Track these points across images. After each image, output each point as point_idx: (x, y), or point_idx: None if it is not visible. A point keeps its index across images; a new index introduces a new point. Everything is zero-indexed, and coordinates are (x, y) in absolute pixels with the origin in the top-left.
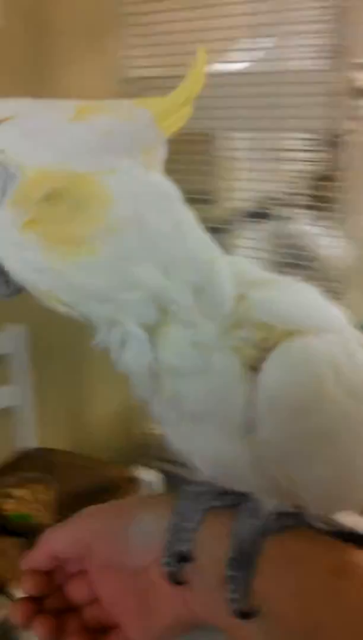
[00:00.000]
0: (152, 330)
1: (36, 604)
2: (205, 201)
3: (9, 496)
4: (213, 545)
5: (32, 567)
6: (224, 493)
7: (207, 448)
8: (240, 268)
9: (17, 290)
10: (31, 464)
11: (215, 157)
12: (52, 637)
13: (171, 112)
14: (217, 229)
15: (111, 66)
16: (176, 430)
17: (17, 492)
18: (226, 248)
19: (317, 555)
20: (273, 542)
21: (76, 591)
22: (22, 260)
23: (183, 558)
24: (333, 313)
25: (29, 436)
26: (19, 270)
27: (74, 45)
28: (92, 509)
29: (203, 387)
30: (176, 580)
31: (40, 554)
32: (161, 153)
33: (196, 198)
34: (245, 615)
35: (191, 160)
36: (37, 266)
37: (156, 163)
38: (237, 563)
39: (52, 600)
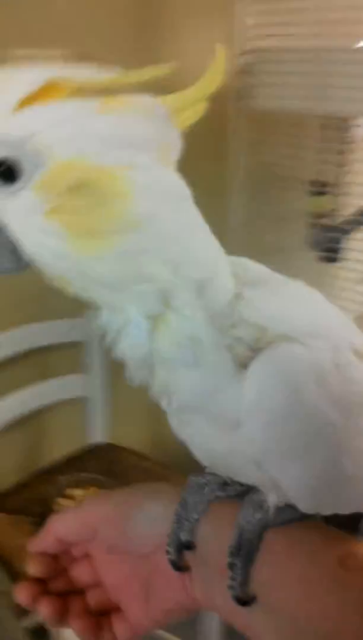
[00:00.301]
0: (152, 321)
1: (42, 586)
2: (321, 192)
3: (65, 495)
4: (216, 534)
5: (39, 550)
6: (228, 484)
7: (199, 439)
8: (242, 267)
9: (26, 266)
10: (96, 462)
11: (347, 144)
12: (56, 618)
13: (187, 108)
14: (332, 227)
15: (226, 37)
16: (173, 420)
17: (74, 491)
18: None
19: (322, 545)
20: (277, 531)
21: (81, 574)
22: (39, 244)
23: (185, 546)
24: (332, 318)
25: (100, 430)
26: (34, 252)
27: (186, 15)
28: (99, 495)
29: (194, 381)
30: (178, 567)
31: (47, 537)
32: (176, 149)
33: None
34: (243, 602)
35: (321, 148)
36: (54, 252)
37: (170, 159)
38: (238, 551)
39: (57, 582)
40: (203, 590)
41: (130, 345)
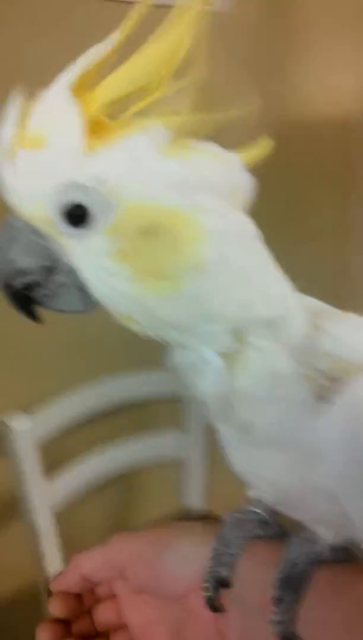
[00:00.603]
0: (229, 358)
1: (64, 627)
2: None
3: None
4: (257, 570)
5: (61, 589)
6: (268, 523)
7: (270, 473)
8: (311, 303)
9: (94, 307)
10: None
11: None
12: None
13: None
14: None
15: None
16: (239, 454)
17: None
18: None
19: None
20: (322, 572)
21: (105, 616)
22: (108, 286)
23: (222, 583)
24: None
25: (197, 496)
26: (102, 294)
27: (320, 34)
28: (126, 534)
29: (274, 415)
30: (214, 606)
31: (71, 575)
32: (246, 192)
33: None
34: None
35: None
36: (121, 293)
37: (240, 201)
38: (286, 584)
39: (79, 624)
40: (240, 633)
41: (208, 385)
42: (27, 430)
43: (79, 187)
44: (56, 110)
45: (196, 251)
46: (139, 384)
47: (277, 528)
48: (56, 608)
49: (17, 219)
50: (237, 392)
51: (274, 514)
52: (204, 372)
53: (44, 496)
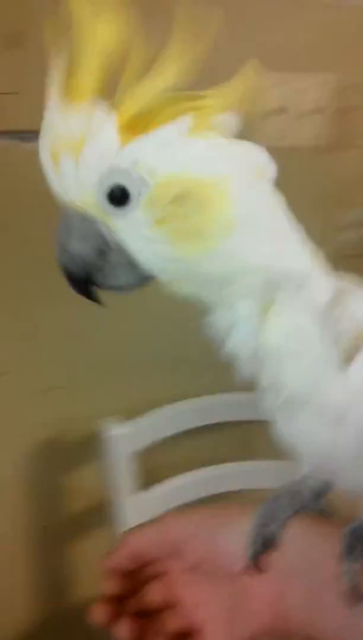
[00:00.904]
0: (261, 312)
1: (117, 606)
2: None
3: None
4: (321, 545)
5: (113, 566)
6: (320, 497)
7: (304, 435)
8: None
9: (146, 280)
10: None
11: None
12: None
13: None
14: None
15: None
16: (282, 425)
17: None
18: None
19: None
20: None
21: (156, 594)
22: (152, 253)
23: (268, 543)
24: None
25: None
26: (149, 262)
27: None
28: (181, 511)
29: (301, 371)
30: (256, 564)
31: (124, 553)
32: (267, 173)
33: None
34: (359, 597)
35: None
36: (164, 257)
37: (266, 177)
38: (357, 535)
39: (132, 602)
40: (306, 612)
41: (240, 340)
42: (125, 436)
43: (118, 171)
44: (92, 115)
45: (224, 212)
46: (241, 404)
47: (326, 502)
48: (109, 586)
49: (71, 211)
50: (266, 347)
51: (324, 488)
52: (238, 327)
53: (137, 506)
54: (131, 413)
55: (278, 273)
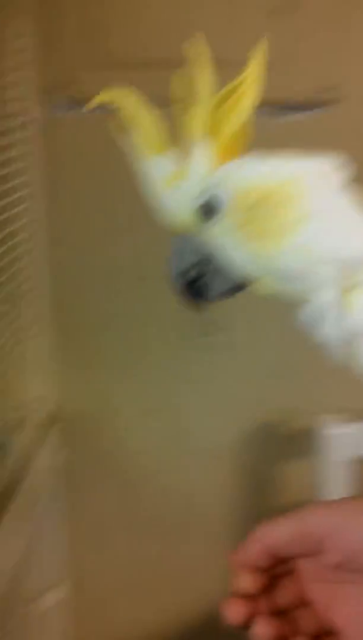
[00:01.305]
0: (344, 298)
1: (251, 604)
2: None
3: None
4: None
5: (245, 563)
6: None
7: None
8: None
9: (240, 287)
10: None
11: None
12: None
13: None
14: None
15: None
16: None
17: None
18: None
19: None
20: None
21: (288, 592)
22: (239, 255)
23: None
24: None
25: None
26: (239, 264)
27: None
28: (319, 503)
29: None
30: None
31: (257, 549)
32: (339, 176)
33: None
34: None
35: None
36: (250, 257)
37: (333, 179)
38: None
39: (265, 601)
40: None
41: (331, 327)
42: (348, 437)
43: (206, 190)
44: (192, 152)
45: (295, 209)
46: None
47: None
48: (244, 581)
49: (177, 234)
50: (355, 328)
51: None
52: (326, 317)
53: None
54: (359, 415)
55: (353, 258)
